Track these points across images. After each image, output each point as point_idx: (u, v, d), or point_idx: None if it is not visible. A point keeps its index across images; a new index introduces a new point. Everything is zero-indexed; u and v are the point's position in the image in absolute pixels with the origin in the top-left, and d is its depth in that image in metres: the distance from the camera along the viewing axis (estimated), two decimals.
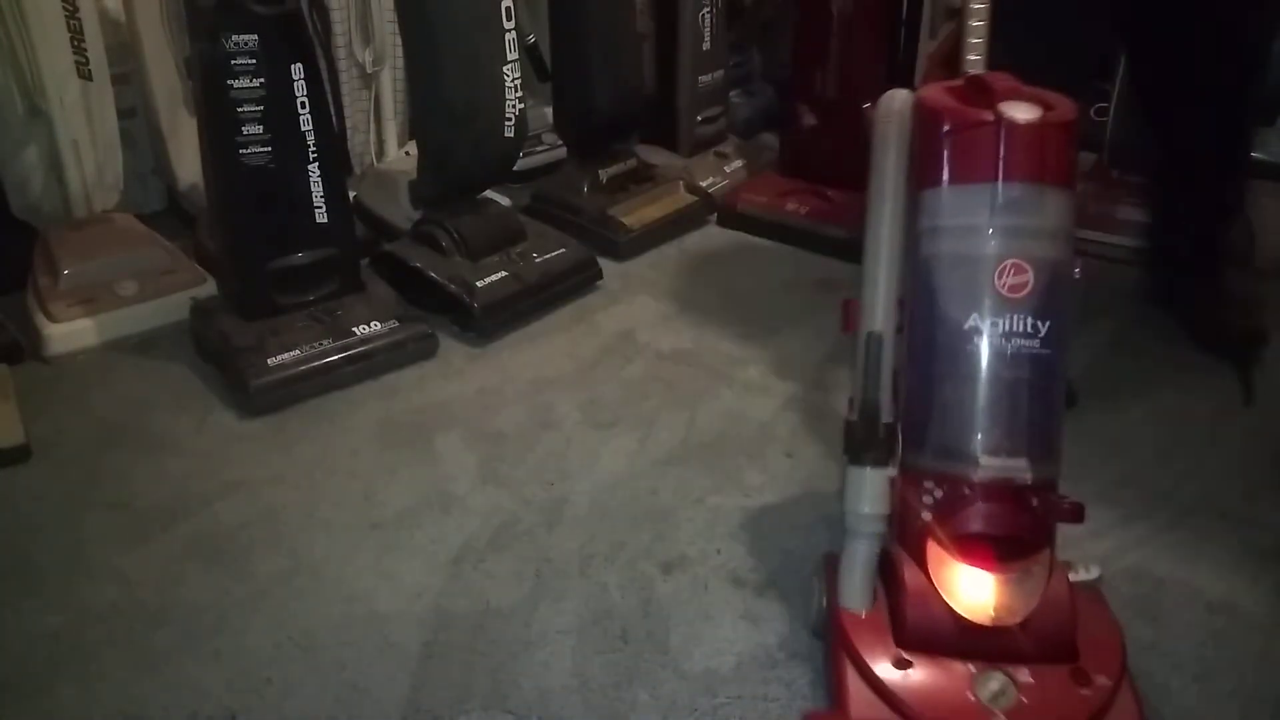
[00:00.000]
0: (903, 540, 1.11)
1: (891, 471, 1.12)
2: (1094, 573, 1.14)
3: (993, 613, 1.06)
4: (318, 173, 1.76)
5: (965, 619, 1.06)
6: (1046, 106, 1.06)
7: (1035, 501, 1.05)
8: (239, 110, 1.65)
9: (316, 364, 1.74)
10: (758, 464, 1.57)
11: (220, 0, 1.59)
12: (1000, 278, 1.05)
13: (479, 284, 1.94)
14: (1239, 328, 1.81)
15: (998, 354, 1.05)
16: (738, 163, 2.71)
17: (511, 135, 2.01)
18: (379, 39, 2.37)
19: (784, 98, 2.67)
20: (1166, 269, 1.95)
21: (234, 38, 1.61)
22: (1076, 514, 1.09)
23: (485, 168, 2.07)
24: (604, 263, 2.18)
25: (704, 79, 2.64)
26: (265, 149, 1.69)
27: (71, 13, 1.89)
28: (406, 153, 2.44)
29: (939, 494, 1.07)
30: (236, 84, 1.64)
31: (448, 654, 1.23)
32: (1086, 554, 1.37)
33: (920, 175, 1.12)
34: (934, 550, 1.08)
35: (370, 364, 1.80)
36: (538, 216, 2.29)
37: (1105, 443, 1.61)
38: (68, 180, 1.99)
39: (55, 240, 1.97)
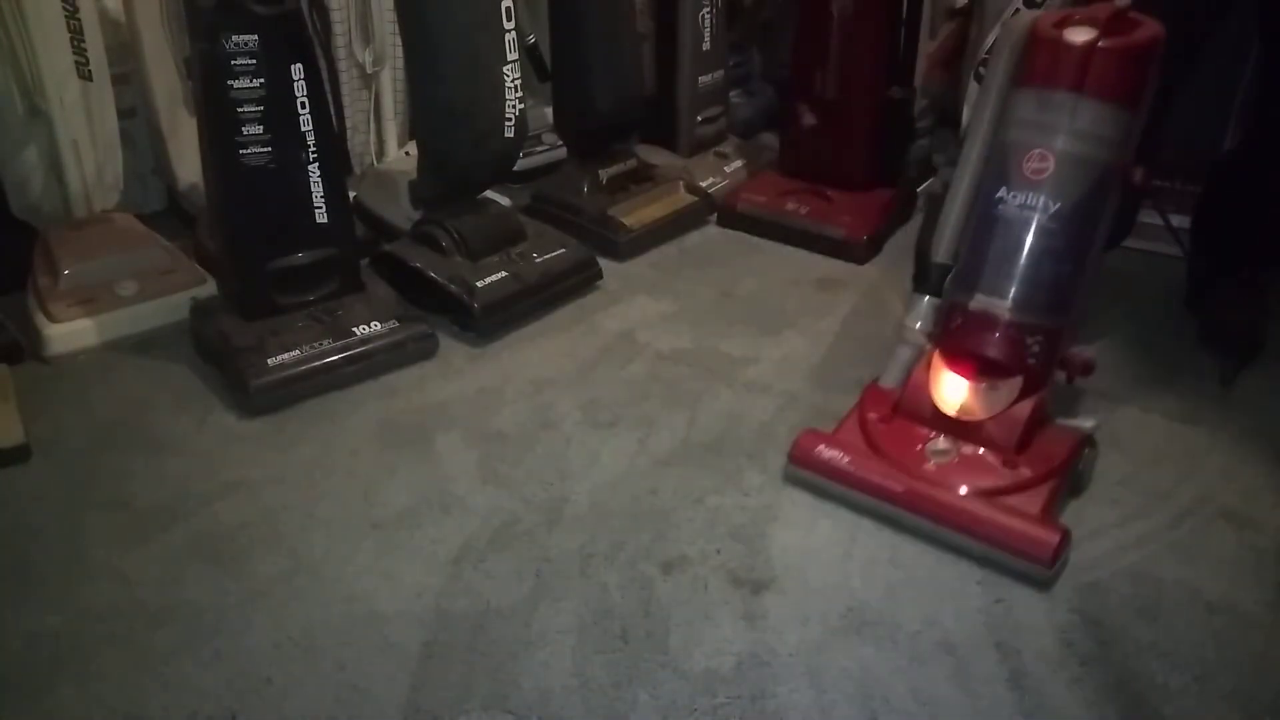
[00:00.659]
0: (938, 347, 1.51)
1: (936, 300, 1.53)
2: (1087, 423, 1.48)
3: (957, 410, 1.45)
4: (318, 173, 1.76)
5: (939, 408, 1.46)
6: (1125, 33, 1.34)
7: (1015, 336, 1.39)
8: (239, 110, 1.65)
9: (316, 364, 1.74)
10: (758, 464, 1.57)
11: (220, 0, 1.59)
12: (1028, 161, 1.38)
13: (479, 284, 1.94)
14: (1239, 330, 1.82)
15: (1010, 219, 1.39)
16: (738, 163, 2.71)
17: (511, 135, 2.01)
18: (379, 39, 2.37)
19: (784, 98, 2.67)
20: (1208, 271, 1.96)
21: (234, 38, 1.61)
22: (1078, 364, 1.47)
23: (485, 168, 2.07)
24: (604, 263, 2.18)
25: (704, 79, 2.64)
26: (265, 149, 1.69)
27: (71, 13, 1.89)
28: (406, 153, 2.44)
29: (950, 316, 1.47)
30: (236, 84, 1.64)
31: (448, 654, 1.23)
32: (1087, 553, 1.38)
33: (1014, 79, 1.46)
34: (936, 356, 1.49)
35: (370, 364, 1.80)
36: (538, 216, 2.29)
37: (1105, 443, 1.61)
38: (68, 180, 1.99)
39: (55, 240, 1.97)
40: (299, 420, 1.69)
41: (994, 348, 1.41)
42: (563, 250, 2.10)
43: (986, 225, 1.43)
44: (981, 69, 2.50)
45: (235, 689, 1.18)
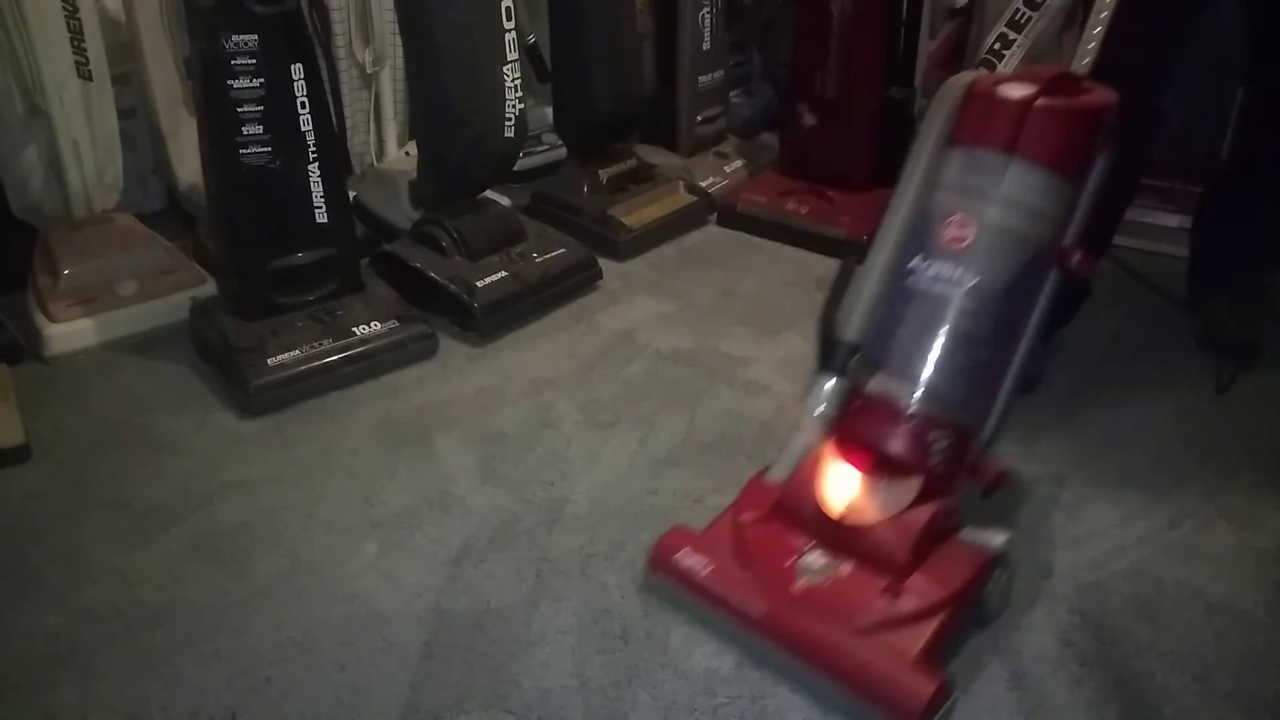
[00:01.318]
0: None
1: (837, 381, 1.28)
2: (994, 540, 1.23)
3: (845, 509, 1.22)
4: (318, 173, 1.76)
5: (822, 510, 1.23)
6: (1070, 95, 1.18)
7: (917, 429, 1.17)
8: (239, 110, 1.65)
9: (316, 364, 1.74)
10: (757, 464, 1.57)
11: (220, 0, 1.59)
12: (947, 228, 1.18)
13: (479, 284, 1.94)
14: (1237, 336, 1.81)
15: (923, 292, 1.19)
16: (738, 163, 2.71)
17: (511, 135, 2.01)
18: (379, 39, 2.37)
19: (784, 98, 2.67)
20: (1208, 275, 1.95)
21: (234, 38, 1.61)
22: (990, 474, 1.21)
23: (485, 168, 2.07)
24: (604, 263, 2.17)
25: (704, 79, 2.64)
26: (265, 149, 1.69)
27: (71, 13, 1.89)
28: (406, 153, 2.44)
29: (849, 398, 1.25)
30: (236, 84, 1.64)
31: (448, 654, 1.23)
32: (1087, 553, 1.38)
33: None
34: (830, 444, 1.26)
35: (370, 364, 1.80)
36: (538, 216, 2.29)
37: (1105, 443, 1.61)
38: (68, 180, 1.99)
39: (55, 240, 1.97)
40: (299, 420, 1.69)
41: (891, 440, 1.18)
42: (563, 250, 2.10)
43: (898, 297, 1.23)
44: (984, 70, 2.51)
45: (235, 689, 1.18)
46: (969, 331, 1.17)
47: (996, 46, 2.48)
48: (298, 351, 1.74)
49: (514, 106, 1.99)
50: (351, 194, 2.16)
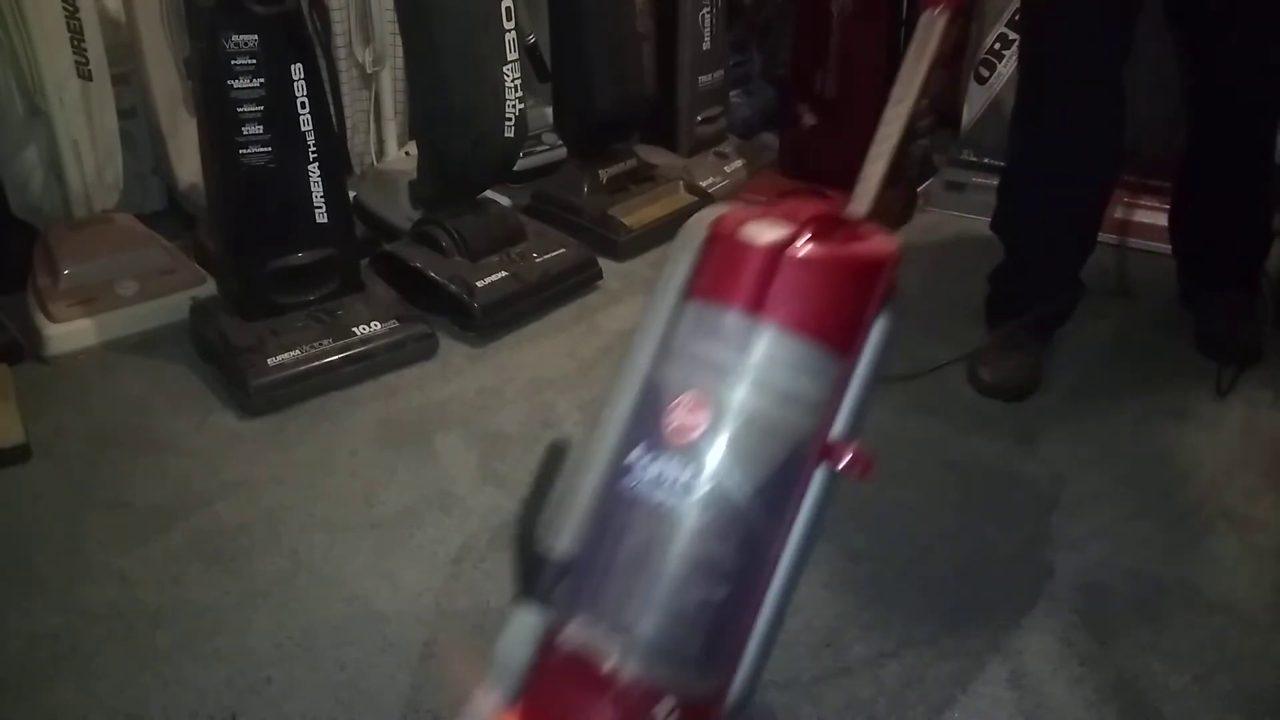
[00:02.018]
0: None
1: (539, 616, 0.86)
2: None
3: None
4: (318, 173, 1.76)
5: None
6: (842, 241, 0.87)
7: (631, 701, 0.78)
8: (239, 110, 1.65)
9: (316, 364, 1.74)
10: None
11: (220, 0, 1.59)
12: (673, 413, 0.83)
13: (479, 284, 1.94)
14: (1238, 343, 1.81)
15: (641, 500, 0.82)
16: (738, 163, 2.71)
17: (511, 135, 2.01)
18: (379, 39, 2.37)
19: (784, 98, 2.67)
20: (1196, 277, 1.95)
21: (234, 38, 1.61)
22: None
23: (485, 168, 2.07)
24: (604, 263, 2.17)
25: (704, 79, 2.64)
26: (265, 149, 1.69)
27: (71, 13, 1.89)
28: (406, 153, 2.44)
29: (542, 651, 0.83)
30: (236, 84, 1.64)
31: (448, 654, 1.23)
32: (1087, 553, 1.38)
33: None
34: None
35: (370, 364, 1.80)
36: (538, 216, 2.29)
37: (1105, 443, 1.61)
38: (68, 180, 1.99)
39: (55, 240, 1.97)
40: (299, 420, 1.69)
41: (592, 717, 0.79)
42: (563, 250, 2.10)
43: (607, 505, 0.85)
44: (984, 70, 2.51)
45: (235, 689, 1.18)
46: (702, 558, 0.81)
47: (996, 46, 2.49)
48: (298, 351, 1.74)
49: (514, 106, 1.99)
50: (351, 194, 2.16)
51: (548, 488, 0.92)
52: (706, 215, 0.92)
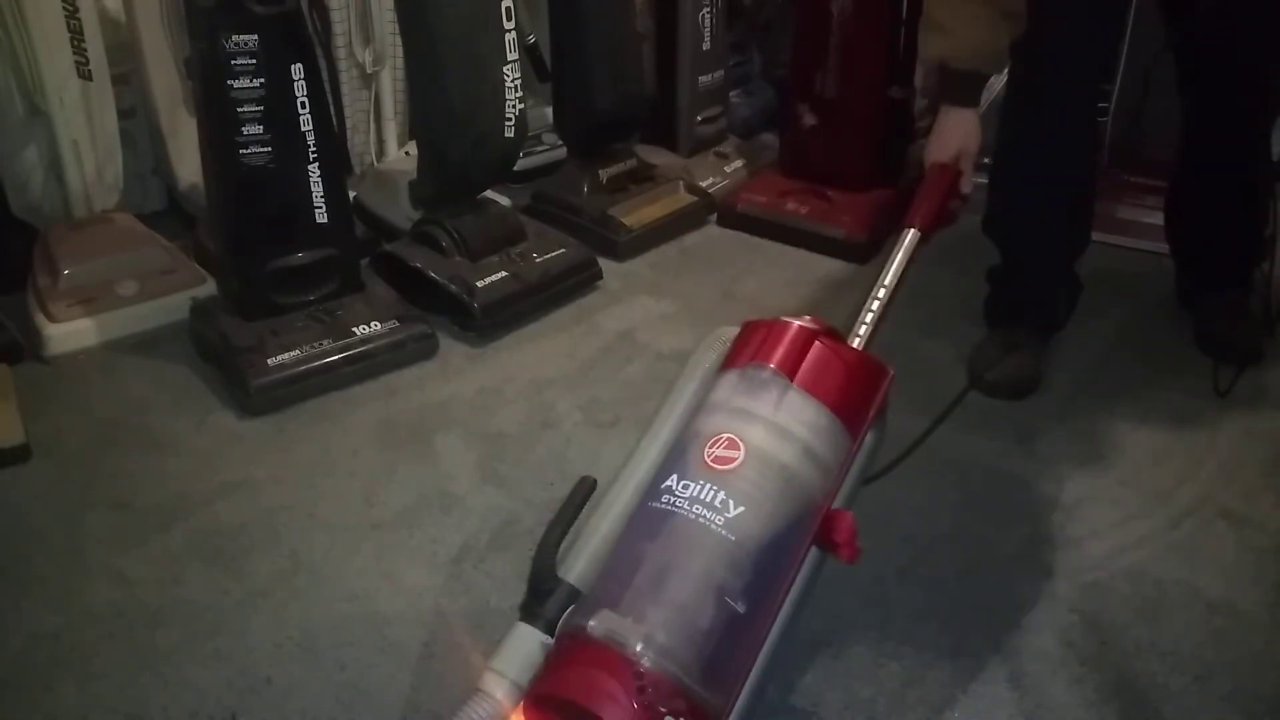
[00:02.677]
0: None
1: (542, 636, 0.97)
2: None
3: None
4: (318, 173, 1.76)
5: None
6: (845, 354, 1.05)
7: (645, 692, 0.84)
8: (239, 110, 1.65)
9: (316, 364, 1.74)
10: None
11: (220, 0, 1.59)
12: (712, 446, 0.97)
13: (479, 284, 1.94)
14: (1238, 343, 1.81)
15: (676, 516, 0.93)
16: (738, 163, 2.71)
17: (511, 135, 2.01)
18: (379, 39, 2.37)
19: (784, 98, 2.67)
20: (1194, 277, 1.95)
21: (234, 38, 1.61)
22: None
23: (485, 168, 2.07)
24: (604, 263, 2.17)
25: (704, 79, 2.64)
26: (265, 149, 1.69)
27: (71, 13, 1.89)
28: (406, 153, 2.44)
29: (557, 644, 0.93)
30: (236, 84, 1.64)
31: (448, 654, 1.23)
32: (1087, 553, 1.38)
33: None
34: (518, 714, 0.93)
35: (370, 364, 1.80)
36: (538, 216, 2.29)
37: (1105, 443, 1.61)
38: (68, 180, 1.99)
39: (55, 240, 1.97)
40: (299, 420, 1.69)
41: (606, 699, 0.84)
42: (563, 250, 2.10)
43: (641, 522, 0.97)
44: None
45: (235, 689, 1.18)
46: (727, 573, 0.90)
47: None
48: (298, 351, 1.74)
49: (514, 106, 1.99)
50: (351, 194, 2.16)
51: (573, 516, 1.02)
52: (729, 331, 1.11)
